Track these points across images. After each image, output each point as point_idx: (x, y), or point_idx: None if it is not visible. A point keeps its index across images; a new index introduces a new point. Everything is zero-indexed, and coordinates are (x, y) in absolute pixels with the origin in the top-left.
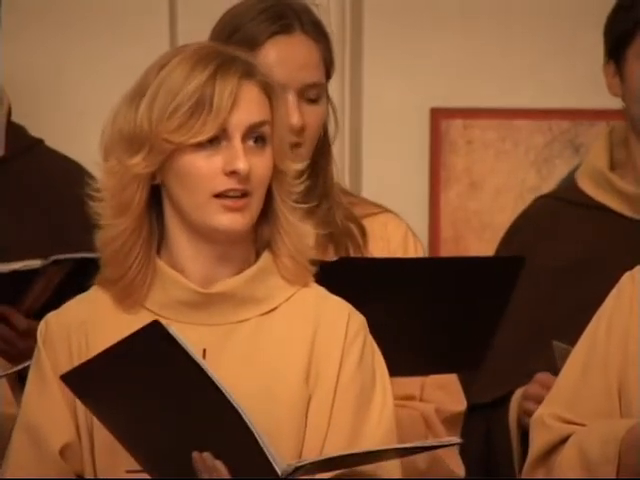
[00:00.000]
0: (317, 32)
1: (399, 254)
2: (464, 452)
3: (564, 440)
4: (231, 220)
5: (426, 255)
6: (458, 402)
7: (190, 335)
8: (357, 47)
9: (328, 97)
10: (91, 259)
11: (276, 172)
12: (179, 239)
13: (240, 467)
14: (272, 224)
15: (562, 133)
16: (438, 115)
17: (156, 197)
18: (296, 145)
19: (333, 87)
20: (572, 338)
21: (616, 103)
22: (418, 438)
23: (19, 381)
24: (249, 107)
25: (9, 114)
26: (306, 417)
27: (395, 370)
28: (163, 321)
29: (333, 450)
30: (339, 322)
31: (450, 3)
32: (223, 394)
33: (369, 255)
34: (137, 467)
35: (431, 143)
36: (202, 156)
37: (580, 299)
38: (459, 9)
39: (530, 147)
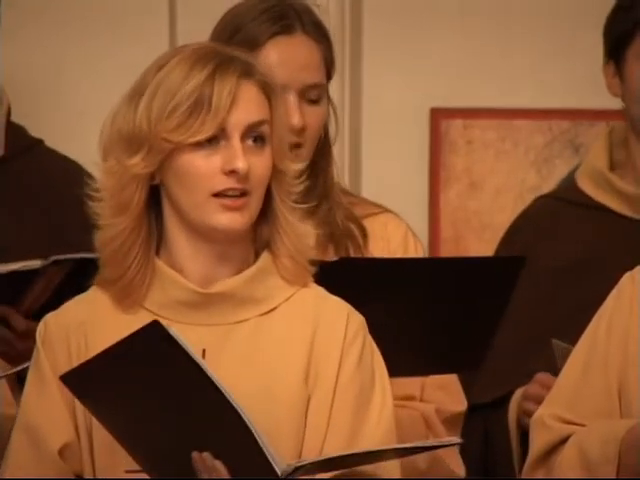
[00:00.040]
0: (318, 33)
1: (399, 254)
2: (463, 452)
3: (564, 440)
4: (230, 219)
5: (426, 255)
6: (458, 402)
7: (189, 335)
8: (357, 47)
9: (329, 98)
10: (90, 259)
11: (275, 172)
12: (178, 239)
13: (240, 467)
14: (271, 224)
15: (562, 133)
16: (438, 115)
17: (155, 197)
18: (297, 145)
19: (333, 87)
20: (572, 338)
21: (616, 103)
22: (418, 438)
23: (18, 382)
24: (248, 106)
25: (9, 114)
26: (305, 417)
27: (395, 370)
28: (163, 321)
29: (332, 450)
30: (338, 322)
31: (450, 3)
32: (223, 394)
33: (369, 255)
34: (136, 467)
35: (431, 143)
36: (201, 155)
37: (580, 299)
38: (459, 9)
39: (530, 147)
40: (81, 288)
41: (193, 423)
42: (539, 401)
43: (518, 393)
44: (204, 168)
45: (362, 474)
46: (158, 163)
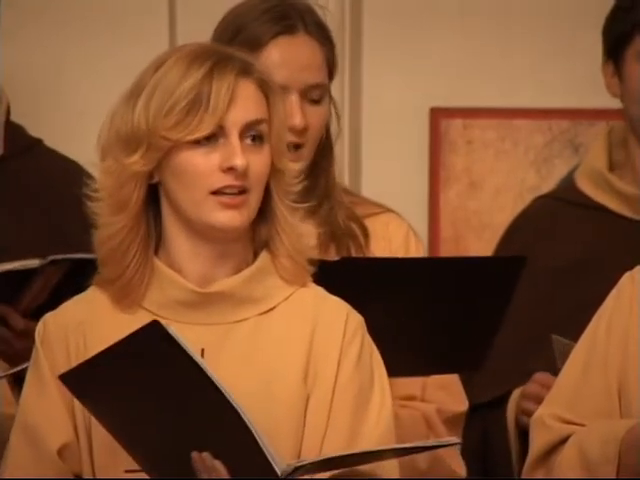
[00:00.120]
0: (320, 33)
1: (400, 254)
2: (462, 451)
3: (564, 440)
4: (229, 217)
5: (427, 255)
6: (459, 402)
7: (188, 335)
8: (357, 47)
9: (331, 98)
10: (89, 260)
11: (274, 171)
12: (177, 238)
13: (239, 467)
14: (270, 223)
15: (562, 133)
16: (438, 115)
17: (154, 196)
18: (298, 146)
19: (333, 87)
20: (571, 338)
21: (616, 103)
22: (419, 438)
23: (17, 382)
24: (246, 105)
25: (8, 113)
26: (304, 417)
27: (396, 370)
28: (162, 321)
29: (331, 450)
30: (337, 322)
31: (450, 3)
32: (223, 394)
33: (371, 255)
34: (136, 467)
35: (431, 143)
36: (199, 153)
37: (579, 299)
38: (458, 9)
39: (530, 147)
40: (80, 288)
41: (193, 423)
42: (538, 400)
43: (516, 392)
44: (202, 166)
45: (361, 474)
46: (156, 161)
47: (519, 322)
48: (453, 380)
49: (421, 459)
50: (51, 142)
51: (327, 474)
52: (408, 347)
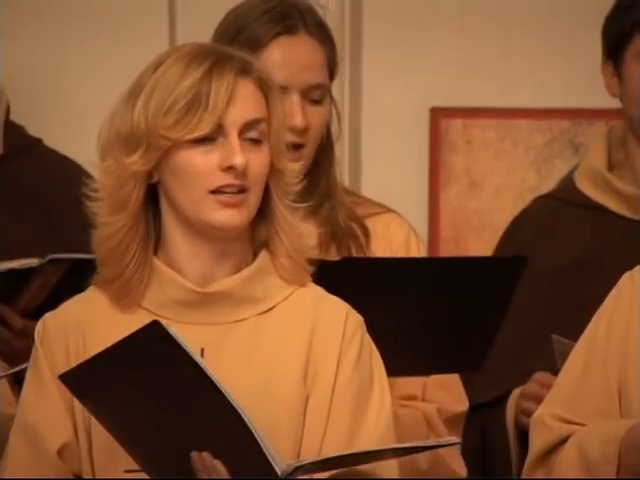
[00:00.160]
0: (321, 33)
1: (401, 254)
2: (462, 451)
3: (564, 440)
4: (228, 216)
5: (427, 255)
6: (460, 402)
7: (188, 334)
8: (356, 47)
9: (331, 98)
10: (88, 260)
11: (273, 171)
12: (176, 237)
13: (239, 467)
14: (269, 223)
15: (562, 133)
16: (438, 115)
17: (153, 196)
18: (299, 146)
19: (333, 87)
20: (571, 338)
21: (615, 103)
22: (420, 438)
23: (16, 382)
24: (245, 104)
25: (7, 113)
26: (304, 416)
27: (397, 370)
28: (162, 321)
29: (331, 449)
30: (337, 322)
31: (449, 3)
32: (223, 394)
33: (371, 255)
34: (136, 467)
35: (431, 143)
36: (199, 152)
37: (579, 299)
38: (458, 9)
39: (530, 147)
40: (79, 288)
41: (192, 423)
42: (538, 400)
43: (516, 392)
44: (202, 165)
45: (360, 474)
46: (156, 161)
47: (519, 322)
48: (453, 380)
49: (421, 459)
50: (51, 142)
51: (327, 474)
52: (409, 347)
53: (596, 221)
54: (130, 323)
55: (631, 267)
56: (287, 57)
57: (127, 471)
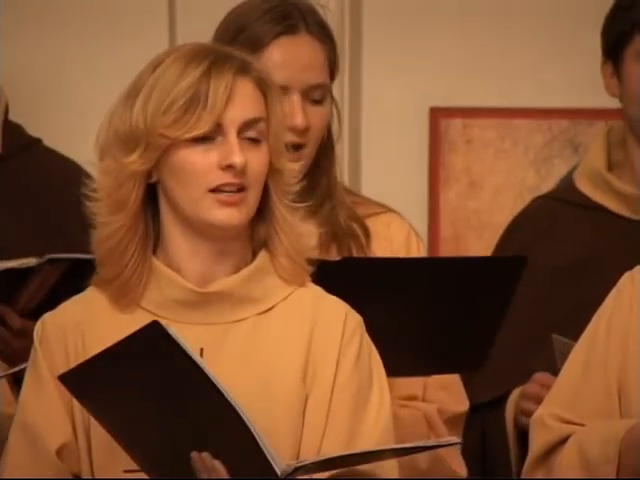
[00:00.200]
0: (322, 33)
1: (402, 254)
2: (462, 451)
3: (564, 440)
4: (227, 215)
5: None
6: (460, 402)
7: (187, 334)
8: (356, 47)
9: (332, 98)
10: (87, 260)
11: (272, 170)
12: (175, 237)
13: (239, 467)
14: (269, 223)
15: (561, 132)
16: (437, 115)
17: (152, 196)
18: (299, 146)
19: (333, 87)
20: (571, 338)
21: (615, 103)
22: (420, 438)
23: (14, 383)
24: (244, 103)
25: (6, 113)
26: (303, 416)
27: (398, 370)
28: (162, 321)
29: (330, 449)
30: (336, 322)
31: (449, 3)
32: (222, 395)
33: (372, 255)
34: (135, 467)
35: (430, 143)
36: (197, 151)
37: (578, 299)
38: (458, 9)
39: (529, 146)
40: (78, 288)
41: (192, 423)
42: (538, 400)
43: (515, 393)
44: (201, 164)
45: (360, 474)
46: (155, 160)
47: (519, 322)
48: (454, 380)
49: (422, 459)
50: (51, 142)
51: (326, 474)
52: (409, 347)
53: (596, 221)
54: (129, 323)
55: (631, 267)
56: (288, 57)
57: (126, 471)
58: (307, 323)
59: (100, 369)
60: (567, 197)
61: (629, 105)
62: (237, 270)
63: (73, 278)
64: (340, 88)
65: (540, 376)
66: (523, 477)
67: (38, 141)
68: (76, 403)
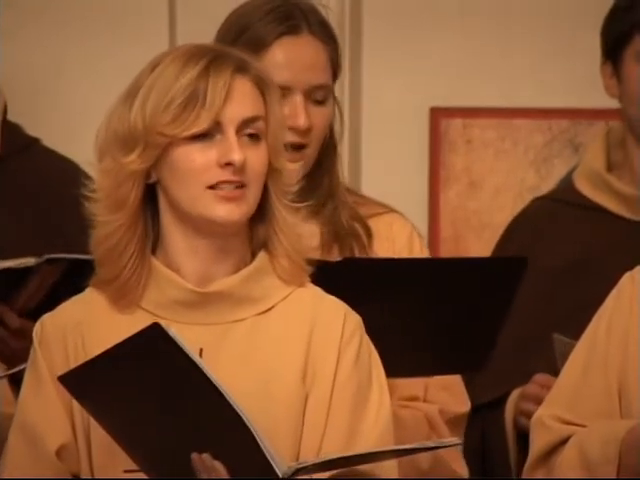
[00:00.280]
0: (324, 33)
1: (404, 254)
2: (463, 452)
3: (564, 441)
4: (227, 211)
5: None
6: (462, 403)
7: (186, 334)
8: (356, 47)
9: (335, 98)
10: (86, 260)
11: (272, 170)
12: (174, 236)
13: (240, 468)
14: (268, 223)
15: (561, 132)
16: (438, 115)
17: (151, 198)
18: (302, 146)
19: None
20: (571, 338)
21: (615, 103)
22: (422, 439)
23: (14, 383)
24: (243, 101)
25: (5, 113)
26: (303, 416)
27: (399, 370)
28: (162, 322)
29: (330, 449)
30: (335, 322)
31: (449, 3)
32: (223, 396)
33: (374, 255)
34: (135, 467)
35: (431, 143)
36: (196, 149)
37: (578, 299)
38: (458, 9)
39: (529, 146)
40: (77, 289)
41: (193, 424)
42: (538, 401)
43: (515, 393)
44: (199, 161)
45: (360, 474)
46: (154, 159)
47: (519, 322)
48: (455, 381)
49: (422, 459)
50: (51, 142)
51: (327, 474)
52: (411, 347)
53: (595, 221)
54: (129, 323)
55: (631, 267)
56: (290, 57)
57: (126, 471)
58: (306, 323)
59: (100, 370)
60: (567, 198)
61: (629, 105)
62: (236, 270)
63: (72, 278)
64: (340, 88)
65: (540, 377)
66: (524, 477)
67: (37, 141)
68: (75, 403)
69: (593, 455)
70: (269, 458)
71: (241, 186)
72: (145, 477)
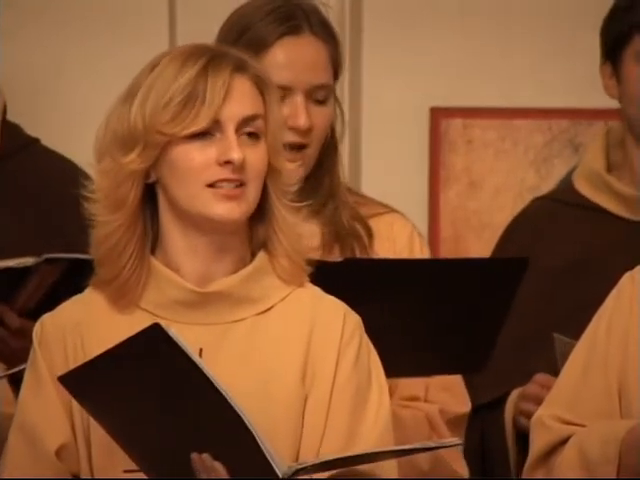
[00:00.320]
0: (326, 33)
1: (405, 255)
2: (463, 452)
3: (564, 441)
4: (227, 209)
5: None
6: (462, 403)
7: (186, 334)
8: (356, 47)
9: (336, 98)
10: (86, 260)
11: (271, 170)
12: (174, 235)
13: (240, 468)
14: (268, 223)
15: (561, 132)
16: (438, 114)
17: (150, 197)
18: (303, 146)
19: None
20: (571, 338)
21: (615, 103)
22: (422, 439)
23: (14, 383)
24: (242, 100)
25: (4, 112)
26: (303, 417)
27: (400, 371)
28: (162, 323)
29: (330, 450)
30: (335, 322)
31: (450, 3)
32: (223, 396)
33: (375, 255)
34: (135, 467)
35: (431, 143)
36: (195, 147)
37: (578, 299)
38: (459, 9)
39: (529, 146)
40: (77, 289)
41: (193, 424)
42: (538, 401)
43: (514, 394)
44: (198, 159)
45: (360, 474)
46: (154, 158)
47: (519, 322)
48: (456, 381)
49: (423, 460)
50: (51, 142)
51: (326, 474)
52: (411, 347)
53: (595, 222)
54: (128, 324)
55: (631, 267)
56: (291, 57)
57: (126, 471)
58: (306, 324)
59: (100, 370)
60: (566, 198)
61: (628, 106)
62: (236, 269)
63: (72, 278)
64: (340, 88)
65: (540, 377)
66: (524, 477)
67: (36, 141)
68: (75, 404)
69: (593, 455)
70: (269, 458)
71: (241, 184)
72: (145, 477)
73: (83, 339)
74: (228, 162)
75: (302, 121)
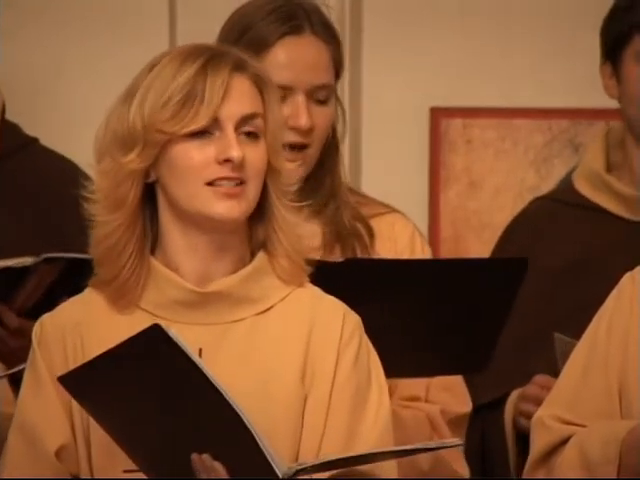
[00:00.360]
0: (327, 33)
1: (406, 255)
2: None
3: (565, 441)
4: (227, 208)
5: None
6: (463, 404)
7: (186, 334)
8: (356, 46)
9: (337, 98)
10: (85, 260)
11: (271, 170)
12: (173, 235)
13: (239, 468)
14: (267, 223)
15: (561, 132)
16: (438, 114)
17: (150, 197)
18: (304, 146)
19: None
20: (571, 338)
21: (615, 103)
22: (423, 439)
23: (13, 383)
24: (241, 98)
25: (3, 112)
26: (302, 417)
27: (400, 371)
28: (162, 323)
29: (330, 450)
30: (334, 322)
31: (450, 2)
32: (223, 396)
33: (376, 255)
34: (134, 467)
35: (431, 142)
36: (195, 146)
37: (578, 299)
38: (459, 8)
39: (529, 146)
40: (76, 288)
41: (193, 424)
42: (538, 402)
43: (514, 394)
44: (198, 158)
45: (360, 474)
46: (153, 158)
47: (519, 322)
48: (457, 381)
49: (423, 460)
50: (50, 142)
51: (326, 474)
52: (412, 348)
53: (595, 222)
54: (128, 324)
55: (631, 268)
56: (292, 57)
57: (126, 471)
58: (305, 324)
59: (100, 370)
60: (566, 198)
61: (628, 106)
62: (235, 269)
63: (71, 278)
64: (340, 88)
65: (540, 378)
66: (524, 478)
67: (35, 140)
68: (75, 404)
69: (593, 455)
70: (269, 459)
71: (240, 183)
72: (145, 477)
73: (83, 339)
74: (227, 160)
75: (303, 121)
